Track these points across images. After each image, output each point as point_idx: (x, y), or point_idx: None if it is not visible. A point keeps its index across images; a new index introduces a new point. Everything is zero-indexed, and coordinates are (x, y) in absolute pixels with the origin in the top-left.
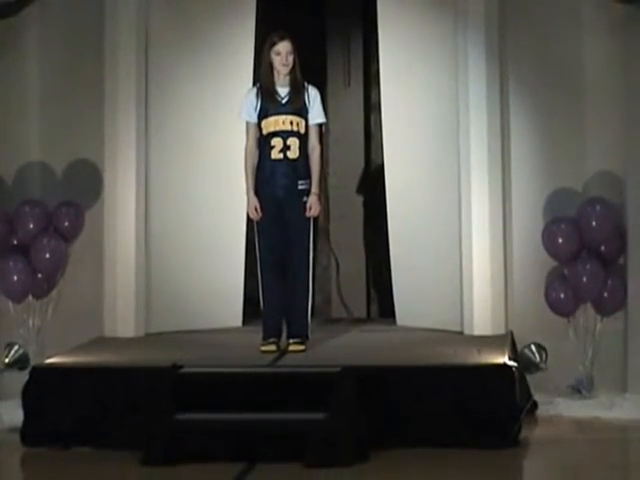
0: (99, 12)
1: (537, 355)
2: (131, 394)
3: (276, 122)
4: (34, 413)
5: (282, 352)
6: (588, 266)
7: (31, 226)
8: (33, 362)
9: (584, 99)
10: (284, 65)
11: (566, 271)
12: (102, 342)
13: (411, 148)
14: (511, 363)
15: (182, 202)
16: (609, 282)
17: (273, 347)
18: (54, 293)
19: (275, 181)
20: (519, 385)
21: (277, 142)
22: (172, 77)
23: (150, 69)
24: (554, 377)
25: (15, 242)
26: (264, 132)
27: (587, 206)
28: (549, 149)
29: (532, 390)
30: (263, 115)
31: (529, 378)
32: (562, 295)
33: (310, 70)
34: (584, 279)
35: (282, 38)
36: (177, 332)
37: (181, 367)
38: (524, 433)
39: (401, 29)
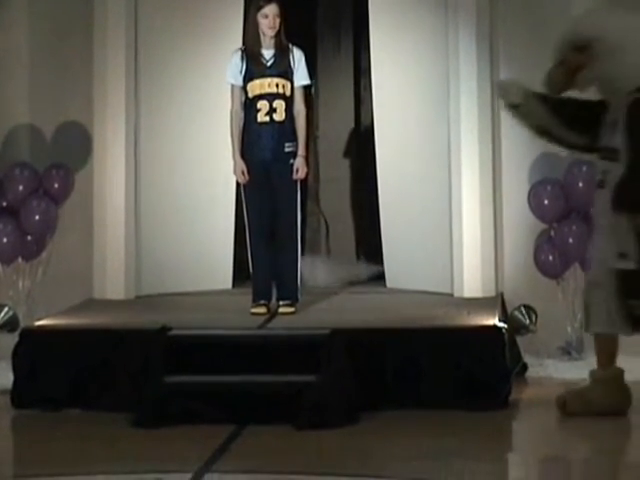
0: None
1: (527, 317)
2: (121, 356)
3: (262, 85)
4: (24, 375)
5: (272, 314)
6: (574, 227)
7: (20, 188)
8: (23, 324)
9: None
10: (270, 28)
11: (553, 233)
12: (92, 304)
13: (401, 112)
14: (501, 325)
15: (172, 165)
16: None
17: (263, 309)
18: (44, 255)
19: (262, 144)
20: (509, 347)
21: (263, 105)
22: (162, 39)
23: (140, 31)
24: (544, 339)
25: (4, 204)
26: (250, 95)
27: (573, 167)
28: None
29: (522, 352)
30: (248, 78)
31: (519, 340)
32: (550, 257)
33: (300, 34)
34: (570, 240)
35: (269, 1)
36: (167, 294)
37: (170, 329)
38: (514, 395)
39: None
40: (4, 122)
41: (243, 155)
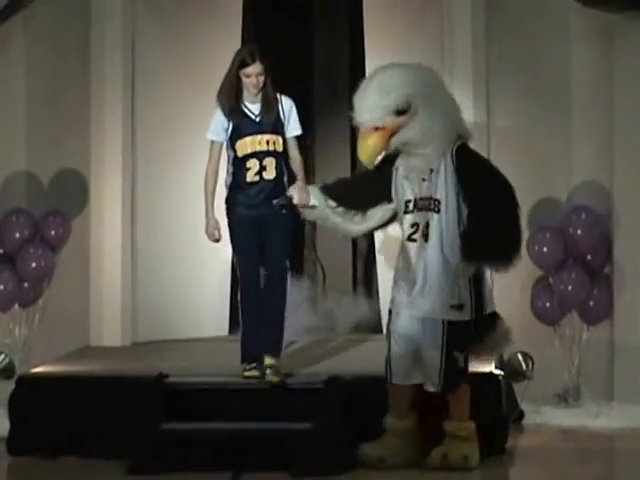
0: (85, 21)
1: (523, 364)
2: (117, 404)
3: (252, 143)
4: (20, 422)
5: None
6: (573, 275)
7: (17, 235)
8: (19, 371)
9: (570, 108)
10: (253, 87)
11: (551, 280)
12: (88, 351)
13: None
14: (497, 372)
15: (168, 212)
16: (595, 291)
17: (256, 372)
18: (40, 302)
19: (251, 203)
20: (505, 394)
21: (253, 164)
22: (159, 86)
23: (137, 78)
24: (540, 386)
25: (1, 251)
26: (239, 154)
27: (572, 214)
28: (534, 159)
29: (518, 399)
30: (236, 136)
31: (515, 387)
32: (548, 304)
33: (294, 82)
34: (569, 288)
35: (252, 59)
36: (163, 341)
37: (167, 376)
38: (510, 442)
39: (387, 38)
40: (1, 168)
41: (230, 213)
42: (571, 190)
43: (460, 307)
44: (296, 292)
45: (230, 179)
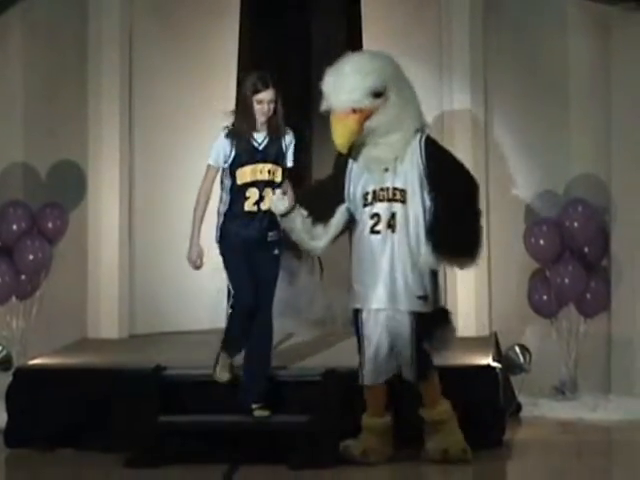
0: (82, 13)
1: (521, 356)
2: (115, 396)
3: (253, 171)
4: (18, 414)
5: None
6: (570, 267)
7: (14, 227)
8: (17, 363)
9: (567, 101)
10: (264, 114)
11: (548, 273)
12: (86, 343)
13: None
14: (495, 364)
15: (166, 203)
16: (592, 284)
17: (267, 412)
18: (38, 294)
19: (246, 233)
20: (503, 386)
21: (253, 193)
22: (156, 78)
23: (134, 70)
24: (538, 378)
25: None
26: (239, 182)
27: (569, 207)
28: (532, 152)
29: (516, 391)
30: (238, 163)
31: (513, 380)
32: (545, 297)
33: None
34: (566, 281)
35: (266, 86)
36: (161, 333)
37: (164, 369)
38: (508, 434)
39: (385, 33)
40: None
41: (224, 243)
42: (568, 183)
43: (425, 298)
44: (294, 285)
45: (225, 208)
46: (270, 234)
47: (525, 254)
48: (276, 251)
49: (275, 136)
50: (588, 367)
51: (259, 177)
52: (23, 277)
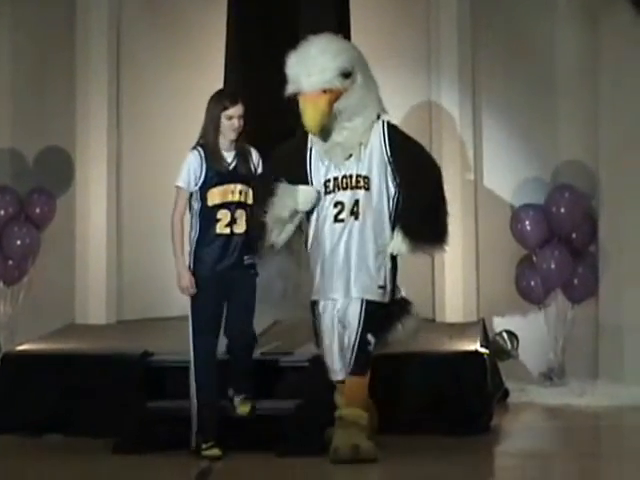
0: (71, 1)
1: (508, 342)
2: (102, 381)
3: (224, 192)
4: (5, 400)
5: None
6: (556, 253)
7: (2, 213)
8: (4, 349)
9: (555, 89)
10: (234, 130)
11: (535, 258)
12: (73, 329)
13: None
14: (482, 350)
15: (154, 189)
16: (579, 269)
17: (218, 451)
18: (25, 280)
19: (219, 257)
20: (490, 372)
21: (224, 215)
22: (145, 65)
23: (122, 55)
24: (525, 364)
25: None
26: (209, 203)
27: (556, 193)
28: (519, 139)
29: (503, 377)
30: (208, 184)
31: (501, 365)
32: (532, 282)
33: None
34: (553, 266)
35: (235, 101)
36: (149, 319)
37: (152, 354)
38: (495, 420)
39: (373, 28)
40: None
41: (197, 267)
42: (555, 169)
43: (383, 288)
44: (279, 271)
45: (196, 233)
46: (246, 257)
47: (512, 240)
48: (252, 271)
49: (244, 155)
50: (576, 353)
51: (230, 198)
52: (10, 262)
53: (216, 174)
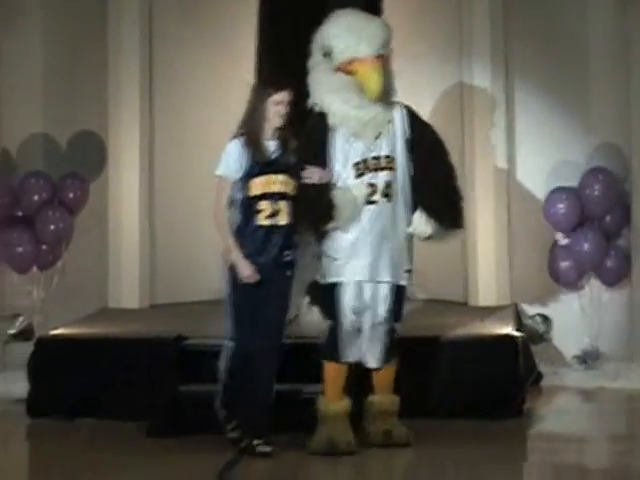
0: None
1: (542, 326)
2: (135, 365)
3: (266, 182)
4: (39, 384)
5: None
6: (589, 236)
7: (35, 198)
8: (38, 333)
9: (587, 72)
10: (280, 116)
11: (568, 241)
12: (106, 313)
13: None
14: (515, 334)
15: (187, 173)
16: (613, 252)
17: (268, 448)
18: (59, 265)
19: (260, 249)
20: (523, 356)
21: (266, 206)
22: (177, 49)
23: (155, 40)
24: (559, 348)
25: (19, 214)
26: (250, 193)
27: (589, 176)
28: (552, 122)
29: (537, 361)
30: (251, 173)
31: (534, 349)
32: (565, 266)
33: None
34: (586, 249)
35: (283, 87)
36: (182, 303)
37: (185, 338)
38: (528, 404)
39: (406, 10)
40: (19, 131)
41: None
42: (589, 152)
43: (409, 272)
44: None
45: (236, 224)
46: (286, 253)
47: (546, 223)
48: (289, 272)
49: (285, 145)
50: (610, 336)
51: (272, 188)
52: (44, 247)
53: (258, 164)
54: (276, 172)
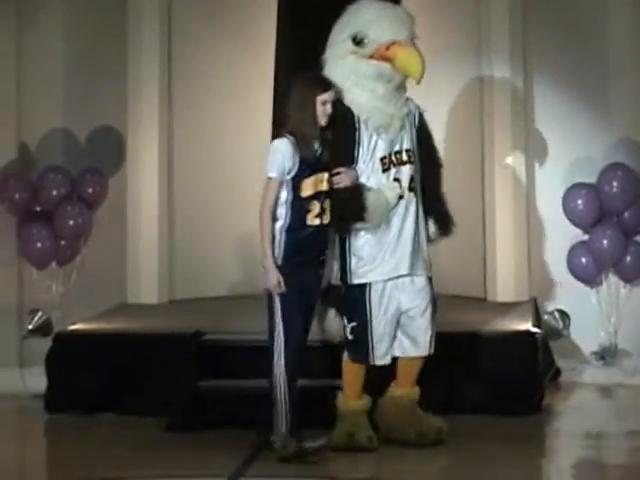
0: None
1: (560, 322)
2: (154, 361)
3: (315, 182)
4: (58, 379)
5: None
6: (608, 232)
7: (54, 193)
8: (56, 328)
9: (607, 67)
10: (326, 115)
11: (587, 237)
12: (125, 309)
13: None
14: (534, 330)
15: (205, 168)
16: (631, 248)
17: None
18: (77, 260)
19: (305, 249)
20: (542, 352)
21: (314, 206)
22: (196, 44)
23: (174, 36)
24: (577, 344)
25: (39, 209)
26: (302, 194)
27: (608, 172)
28: (571, 118)
29: (555, 357)
30: (302, 175)
31: (552, 345)
32: (584, 261)
33: None
34: (605, 245)
35: (329, 86)
36: (200, 299)
37: (204, 334)
38: (547, 400)
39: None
40: (38, 126)
41: (287, 259)
42: (607, 148)
43: (429, 263)
44: None
45: (283, 223)
46: (325, 252)
47: (565, 219)
48: (321, 271)
49: (325, 142)
50: (628, 332)
51: (320, 188)
52: (63, 242)
53: (306, 164)
54: (322, 170)
